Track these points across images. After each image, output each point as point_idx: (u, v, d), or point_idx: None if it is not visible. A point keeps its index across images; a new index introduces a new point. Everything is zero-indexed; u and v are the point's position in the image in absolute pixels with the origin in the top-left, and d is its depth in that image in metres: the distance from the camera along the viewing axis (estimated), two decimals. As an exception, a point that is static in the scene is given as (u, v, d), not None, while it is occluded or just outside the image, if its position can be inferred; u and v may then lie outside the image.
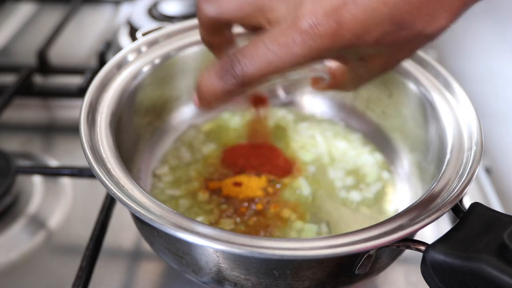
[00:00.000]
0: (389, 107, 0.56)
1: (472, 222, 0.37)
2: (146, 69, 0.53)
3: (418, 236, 0.41)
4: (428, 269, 0.36)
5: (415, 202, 0.40)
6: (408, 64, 0.53)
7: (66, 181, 0.62)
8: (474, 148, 0.44)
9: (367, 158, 0.56)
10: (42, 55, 0.77)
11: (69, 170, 0.57)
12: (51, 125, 0.73)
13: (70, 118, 0.73)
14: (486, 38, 1.45)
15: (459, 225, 0.37)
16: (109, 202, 0.54)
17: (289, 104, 0.62)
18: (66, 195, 0.61)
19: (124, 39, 0.88)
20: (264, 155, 0.56)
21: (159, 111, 0.57)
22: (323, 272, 0.39)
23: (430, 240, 0.37)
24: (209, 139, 0.59)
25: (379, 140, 0.58)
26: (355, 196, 0.52)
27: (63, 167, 0.60)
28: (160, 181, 0.54)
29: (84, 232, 0.54)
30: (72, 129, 0.71)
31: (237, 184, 0.53)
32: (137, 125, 0.53)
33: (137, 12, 0.87)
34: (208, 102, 0.38)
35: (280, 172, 0.54)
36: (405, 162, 0.54)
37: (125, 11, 0.97)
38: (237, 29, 0.42)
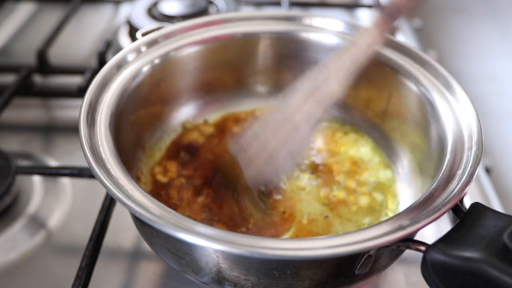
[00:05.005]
0: (389, 107, 0.56)
1: (472, 222, 0.37)
2: (145, 69, 0.53)
3: (418, 236, 0.41)
4: (429, 269, 0.36)
5: (415, 202, 0.40)
6: (408, 64, 0.53)
7: (65, 181, 0.62)
8: (474, 148, 0.44)
9: (367, 158, 0.56)
10: (41, 55, 0.77)
11: (69, 170, 0.57)
12: (51, 125, 0.73)
13: (69, 118, 0.73)
14: (486, 38, 1.46)
15: (459, 225, 0.37)
16: (109, 202, 0.54)
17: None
18: (66, 195, 0.60)
19: (124, 39, 0.88)
20: None
21: (159, 111, 0.57)
22: (323, 272, 0.39)
23: (430, 240, 0.37)
24: (209, 139, 0.58)
25: (379, 140, 0.58)
26: (355, 195, 0.52)
27: (62, 167, 0.60)
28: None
29: (84, 232, 0.54)
30: (72, 129, 0.71)
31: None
32: (137, 125, 0.53)
33: (136, 12, 0.87)
34: None
35: None
36: (405, 162, 0.54)
37: (125, 11, 0.97)
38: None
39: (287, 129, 0.48)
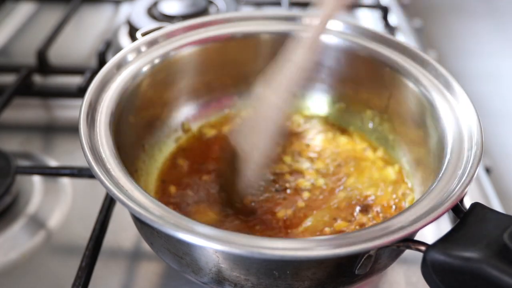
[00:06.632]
0: (389, 107, 0.56)
1: (472, 222, 0.37)
2: (145, 69, 0.53)
3: (418, 236, 0.41)
4: (429, 269, 0.36)
5: (415, 202, 0.40)
6: (408, 64, 0.53)
7: (65, 181, 0.62)
8: (474, 148, 0.44)
9: (367, 158, 0.56)
10: (41, 55, 0.77)
11: (69, 170, 0.57)
12: (51, 125, 0.73)
13: (69, 118, 0.73)
14: (486, 38, 1.46)
15: (459, 225, 0.37)
16: (109, 202, 0.54)
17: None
18: (66, 195, 0.60)
19: (124, 39, 0.88)
20: None
21: (159, 111, 0.57)
22: (323, 272, 0.39)
23: (430, 240, 0.37)
24: (209, 139, 0.58)
25: (379, 140, 0.58)
26: (356, 195, 0.52)
27: (62, 167, 0.60)
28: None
29: (84, 232, 0.54)
30: (72, 129, 0.71)
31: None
32: (137, 125, 0.53)
33: (136, 12, 0.87)
34: None
35: None
36: (405, 162, 0.54)
37: (125, 11, 0.97)
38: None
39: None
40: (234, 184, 0.50)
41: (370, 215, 0.50)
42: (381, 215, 0.50)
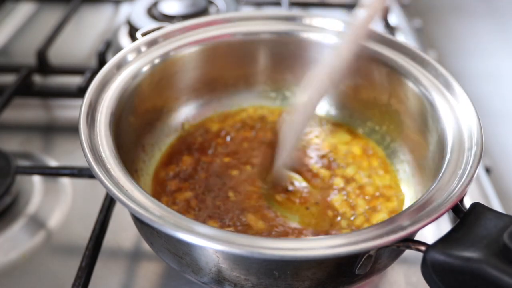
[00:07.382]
0: (389, 107, 0.56)
1: (472, 222, 0.37)
2: (145, 69, 0.53)
3: (418, 236, 0.41)
4: (429, 269, 0.36)
5: (415, 202, 0.40)
6: (408, 64, 0.53)
7: (65, 181, 0.62)
8: (474, 148, 0.44)
9: (367, 158, 0.56)
10: (41, 55, 0.77)
11: (69, 170, 0.57)
12: (51, 125, 0.73)
13: (69, 118, 0.73)
14: (486, 38, 1.46)
15: (459, 225, 0.37)
16: (109, 202, 0.54)
17: (290, 105, 0.62)
18: (66, 195, 0.60)
19: (123, 39, 0.88)
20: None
21: (159, 111, 0.57)
22: (323, 272, 0.39)
23: (430, 240, 0.37)
24: (209, 139, 0.58)
25: (379, 140, 0.58)
26: (356, 195, 0.52)
27: (62, 167, 0.60)
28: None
29: (84, 232, 0.54)
30: (72, 129, 0.71)
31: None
32: (137, 125, 0.53)
33: (136, 12, 0.87)
34: None
35: None
36: (405, 162, 0.54)
37: (125, 11, 0.97)
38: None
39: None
40: (270, 164, 0.54)
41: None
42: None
